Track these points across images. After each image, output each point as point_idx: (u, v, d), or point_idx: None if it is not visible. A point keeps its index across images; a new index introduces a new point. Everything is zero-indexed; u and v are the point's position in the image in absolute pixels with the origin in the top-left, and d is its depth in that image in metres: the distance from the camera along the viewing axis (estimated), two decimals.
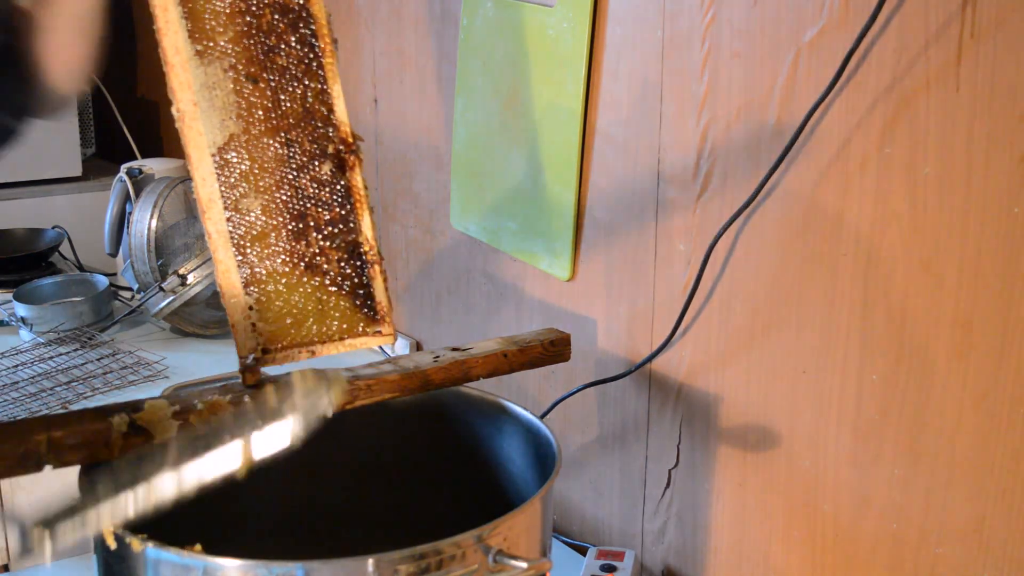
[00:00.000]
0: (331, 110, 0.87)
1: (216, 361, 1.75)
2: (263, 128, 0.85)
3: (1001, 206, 0.84)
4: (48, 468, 0.80)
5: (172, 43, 0.82)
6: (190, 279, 1.78)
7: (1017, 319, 0.84)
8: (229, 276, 0.84)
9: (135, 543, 0.78)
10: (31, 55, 0.85)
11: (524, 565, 0.80)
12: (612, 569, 1.16)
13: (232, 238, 0.84)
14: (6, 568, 1.48)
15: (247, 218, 0.84)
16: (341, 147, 0.87)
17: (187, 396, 0.88)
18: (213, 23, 0.83)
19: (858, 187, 0.94)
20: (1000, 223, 0.84)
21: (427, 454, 1.09)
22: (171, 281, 1.78)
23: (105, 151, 2.70)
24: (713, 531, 1.16)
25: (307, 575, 0.76)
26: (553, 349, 1.07)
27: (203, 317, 1.85)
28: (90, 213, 2.35)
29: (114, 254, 2.06)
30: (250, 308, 0.85)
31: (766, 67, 1.01)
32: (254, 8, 0.85)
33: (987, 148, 0.84)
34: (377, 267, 0.87)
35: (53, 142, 2.40)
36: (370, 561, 0.76)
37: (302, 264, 0.86)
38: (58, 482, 0.78)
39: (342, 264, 0.87)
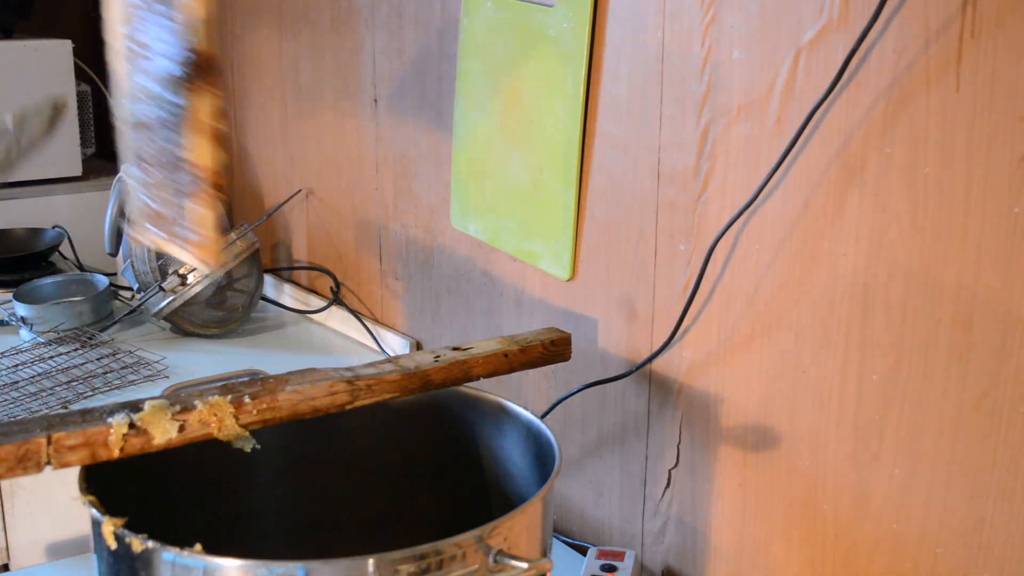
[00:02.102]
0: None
1: (216, 361, 1.75)
2: None
3: (1001, 206, 0.84)
4: (48, 468, 0.80)
5: None
6: (190, 279, 1.78)
7: (1017, 319, 0.84)
8: None
9: (135, 543, 0.78)
10: None
11: (524, 565, 0.80)
12: (612, 569, 1.16)
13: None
14: (6, 568, 1.48)
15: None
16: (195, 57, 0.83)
17: (187, 396, 0.88)
18: None
19: (858, 187, 0.94)
20: (1000, 223, 0.84)
21: (427, 454, 1.09)
22: (171, 281, 1.78)
23: (105, 151, 2.69)
24: (713, 531, 1.16)
25: (307, 575, 0.76)
26: (553, 349, 1.07)
27: (203, 317, 1.85)
28: (90, 213, 2.35)
29: (114, 254, 2.06)
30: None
31: (766, 67, 1.01)
32: None
33: (987, 148, 0.84)
34: (203, 194, 0.85)
35: (53, 142, 2.39)
36: (370, 561, 0.76)
37: (161, 164, 0.87)
38: (58, 482, 0.78)
39: (175, 176, 0.86)
